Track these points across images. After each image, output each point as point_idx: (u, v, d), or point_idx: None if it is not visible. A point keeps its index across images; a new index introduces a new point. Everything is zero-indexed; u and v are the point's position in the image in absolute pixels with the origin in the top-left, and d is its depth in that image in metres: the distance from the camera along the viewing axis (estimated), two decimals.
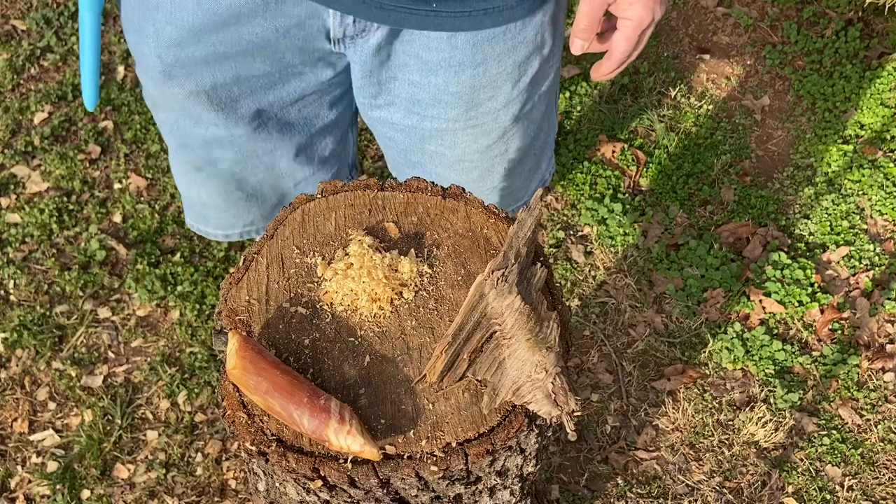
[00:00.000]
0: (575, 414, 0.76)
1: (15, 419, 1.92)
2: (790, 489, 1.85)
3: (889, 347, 2.03)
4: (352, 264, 0.86)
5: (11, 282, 2.10)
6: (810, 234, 2.22)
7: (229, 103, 1.16)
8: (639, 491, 1.84)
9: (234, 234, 1.46)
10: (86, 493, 1.83)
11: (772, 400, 1.96)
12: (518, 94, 1.17)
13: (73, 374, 1.96)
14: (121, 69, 2.48)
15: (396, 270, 0.87)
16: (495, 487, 0.85)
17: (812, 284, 2.11)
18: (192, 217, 1.46)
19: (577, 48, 1.04)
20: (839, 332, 2.06)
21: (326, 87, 1.20)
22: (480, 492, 0.84)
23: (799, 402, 1.95)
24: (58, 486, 1.82)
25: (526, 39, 1.11)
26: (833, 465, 1.88)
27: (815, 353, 2.03)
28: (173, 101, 1.18)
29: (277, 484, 0.82)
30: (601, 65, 1.07)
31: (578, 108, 2.44)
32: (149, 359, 2.00)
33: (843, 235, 2.21)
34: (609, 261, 2.17)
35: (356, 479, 0.75)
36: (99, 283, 2.09)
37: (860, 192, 2.29)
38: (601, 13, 1.01)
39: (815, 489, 1.85)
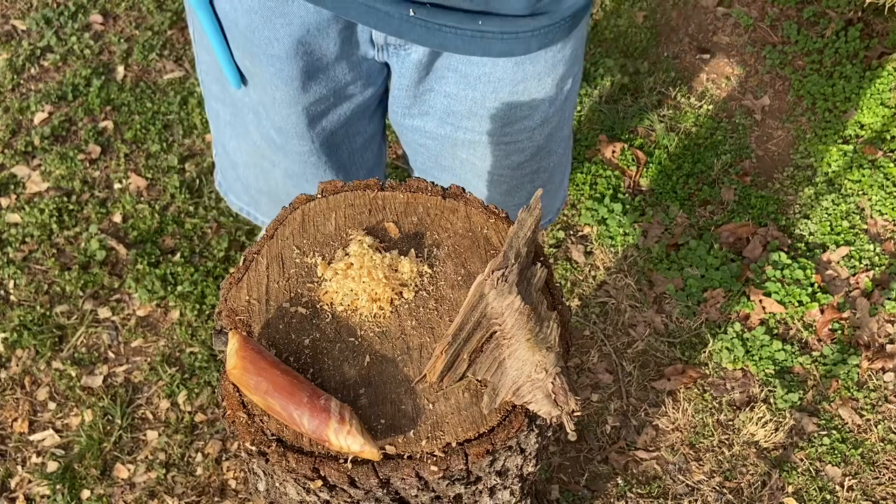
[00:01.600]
0: (575, 414, 0.76)
1: (15, 419, 1.92)
2: (790, 489, 1.85)
3: (889, 347, 2.03)
4: (352, 264, 0.86)
5: (11, 282, 2.10)
6: (810, 234, 2.22)
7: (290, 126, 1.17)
8: (639, 491, 1.84)
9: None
10: (86, 493, 1.83)
11: (772, 400, 1.96)
12: (554, 112, 1.15)
13: (73, 374, 1.96)
14: (120, 69, 2.48)
15: (396, 270, 0.87)
16: (495, 487, 0.85)
17: (812, 284, 2.11)
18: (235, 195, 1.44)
19: None
20: (839, 332, 2.06)
21: (369, 102, 1.19)
22: (480, 492, 0.84)
23: (799, 402, 1.95)
24: (58, 486, 1.82)
25: (565, 58, 1.09)
26: (833, 465, 1.88)
27: (815, 353, 2.03)
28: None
29: (277, 484, 0.82)
30: None
31: (578, 108, 2.44)
32: (149, 359, 2.00)
33: (843, 235, 2.21)
34: (609, 261, 2.17)
35: (356, 479, 0.75)
36: (99, 283, 2.09)
37: (860, 192, 2.29)
38: None
39: (815, 489, 1.85)
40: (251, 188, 1.36)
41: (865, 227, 2.24)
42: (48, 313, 2.05)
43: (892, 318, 2.08)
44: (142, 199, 2.24)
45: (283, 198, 1.33)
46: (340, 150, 1.25)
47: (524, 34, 1.00)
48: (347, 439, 0.72)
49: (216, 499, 1.82)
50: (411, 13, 0.96)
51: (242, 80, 1.13)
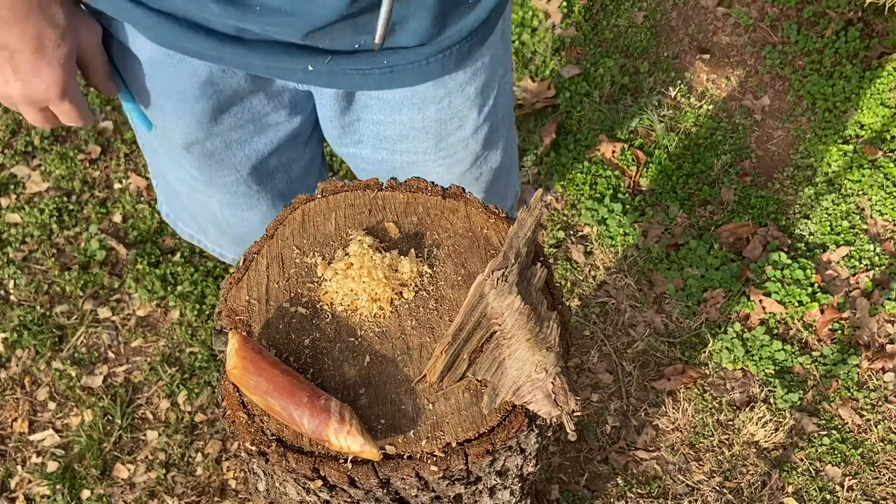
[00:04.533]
0: (575, 414, 0.76)
1: (15, 419, 1.92)
2: (790, 489, 1.85)
3: (889, 347, 2.03)
4: (352, 264, 0.86)
5: (11, 282, 2.10)
6: (810, 234, 2.22)
7: (206, 159, 1.15)
8: (639, 491, 1.84)
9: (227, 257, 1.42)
10: (86, 493, 1.83)
11: (772, 400, 1.96)
12: (485, 118, 1.15)
13: (73, 374, 1.96)
14: None
15: (396, 270, 0.87)
16: (495, 487, 0.85)
17: (812, 284, 2.11)
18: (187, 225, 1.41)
19: None
20: (839, 332, 2.06)
21: (300, 129, 1.17)
22: (480, 492, 0.84)
23: (799, 402, 1.95)
24: (58, 486, 1.82)
25: (485, 64, 1.08)
26: (833, 465, 1.88)
27: (815, 353, 2.03)
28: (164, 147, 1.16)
29: (277, 484, 0.82)
30: None
31: (578, 108, 2.44)
32: (149, 359, 2.00)
33: (843, 235, 2.21)
34: (609, 261, 2.17)
35: (356, 479, 0.75)
36: (99, 283, 2.09)
37: (860, 192, 2.29)
38: None
39: (815, 489, 1.85)
40: (197, 216, 1.33)
41: (865, 227, 2.24)
42: (48, 313, 2.05)
43: (892, 318, 2.08)
44: (142, 199, 2.24)
45: (226, 228, 1.31)
46: (275, 178, 1.22)
47: (434, 59, 0.99)
48: (347, 439, 0.72)
49: (216, 499, 1.82)
50: (310, 68, 0.96)
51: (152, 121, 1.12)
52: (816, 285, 2.11)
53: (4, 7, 0.86)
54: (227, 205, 1.23)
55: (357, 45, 0.94)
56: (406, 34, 0.95)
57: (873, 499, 1.84)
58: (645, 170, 2.33)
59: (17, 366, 1.98)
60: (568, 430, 0.76)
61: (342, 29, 0.91)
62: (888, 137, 2.38)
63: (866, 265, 2.16)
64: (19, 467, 1.86)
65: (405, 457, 0.76)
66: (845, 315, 2.07)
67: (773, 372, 1.99)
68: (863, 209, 2.26)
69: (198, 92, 1.03)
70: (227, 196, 1.21)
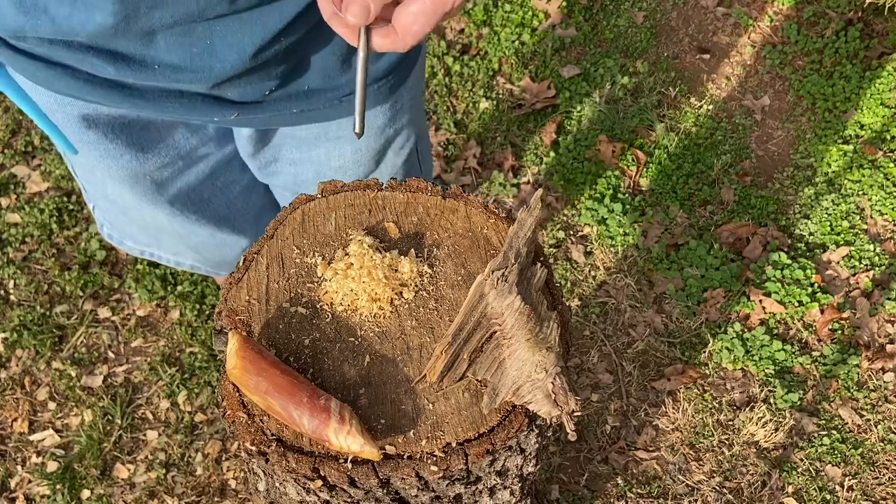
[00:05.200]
0: (575, 414, 0.76)
1: (15, 419, 1.92)
2: (790, 489, 1.85)
3: (889, 347, 2.03)
4: (352, 264, 0.86)
5: (11, 282, 2.10)
6: (810, 234, 2.22)
7: (141, 195, 1.12)
8: (639, 491, 1.84)
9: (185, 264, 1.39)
10: (86, 493, 1.83)
11: (772, 400, 1.96)
12: (405, 155, 1.15)
13: (73, 374, 1.96)
14: None
15: (396, 270, 0.86)
16: (495, 487, 0.85)
17: (812, 284, 2.11)
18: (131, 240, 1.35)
19: (357, 13, 0.70)
20: (839, 332, 2.06)
21: (232, 155, 1.16)
22: (480, 492, 0.83)
23: (799, 402, 1.95)
24: (58, 486, 1.82)
25: (403, 102, 1.07)
26: (833, 465, 1.88)
27: (815, 353, 2.03)
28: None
29: (277, 484, 0.82)
30: (383, 38, 0.75)
31: (578, 108, 2.44)
32: (149, 359, 2.00)
33: (843, 235, 2.21)
34: (609, 261, 2.17)
35: (356, 479, 0.75)
36: (99, 283, 2.09)
37: (860, 192, 2.29)
38: None
39: (815, 489, 1.85)
40: (149, 227, 1.27)
41: (865, 227, 2.24)
42: (48, 313, 2.05)
43: (892, 318, 2.08)
44: None
45: (177, 237, 1.27)
46: (213, 202, 1.20)
47: (347, 98, 0.99)
48: (347, 439, 0.72)
49: (216, 499, 1.82)
50: (216, 119, 0.95)
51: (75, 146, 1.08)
52: (816, 285, 2.11)
53: None
54: (174, 215, 1.20)
55: (266, 93, 0.94)
56: (315, 74, 0.94)
57: (873, 499, 1.84)
58: (645, 170, 2.33)
59: (17, 366, 1.98)
60: (568, 430, 0.76)
61: (249, 80, 0.91)
62: (888, 137, 2.38)
63: (866, 265, 2.16)
64: (19, 467, 1.86)
65: (405, 457, 0.76)
66: (845, 315, 2.07)
67: (773, 372, 1.99)
68: (863, 209, 2.26)
69: (115, 127, 1.00)
70: (164, 220, 1.19)
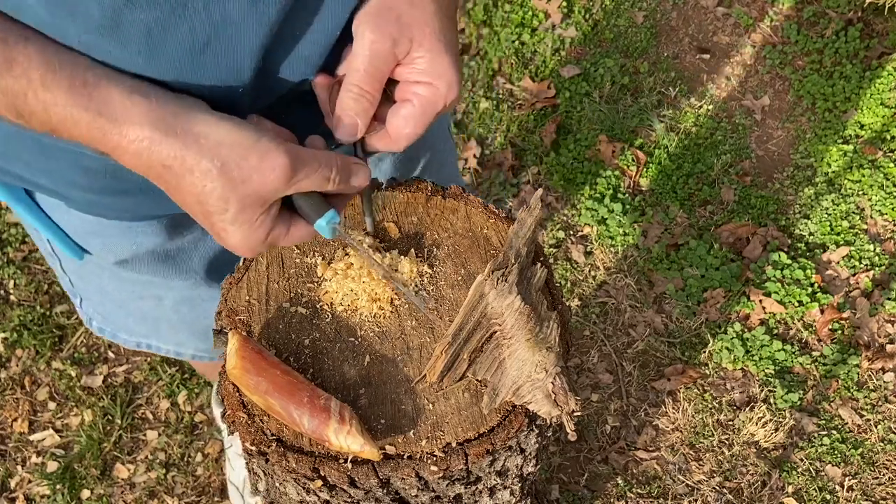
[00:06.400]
0: (575, 414, 0.76)
1: (15, 419, 1.92)
2: (790, 489, 1.85)
3: (889, 347, 2.03)
4: (352, 264, 0.86)
5: (11, 282, 2.10)
6: (810, 234, 2.22)
7: (159, 264, 1.08)
8: (639, 491, 1.84)
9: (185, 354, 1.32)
10: (86, 493, 1.83)
11: (772, 400, 1.96)
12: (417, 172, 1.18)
13: (73, 374, 1.96)
14: None
15: (396, 270, 0.86)
16: (495, 487, 0.84)
17: (812, 284, 2.11)
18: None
19: (347, 133, 0.74)
20: (839, 332, 2.06)
21: None
22: (480, 492, 0.83)
23: (799, 402, 1.95)
24: (58, 486, 1.82)
25: (417, 148, 1.08)
26: (833, 465, 1.88)
27: (815, 353, 2.03)
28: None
29: (277, 484, 0.82)
30: (377, 141, 0.77)
31: (578, 108, 2.44)
32: (149, 359, 2.00)
33: (843, 235, 2.21)
34: (609, 261, 2.17)
35: (356, 479, 0.75)
36: None
37: (860, 192, 2.29)
38: (383, 79, 0.73)
39: (815, 489, 1.85)
40: (147, 318, 1.21)
41: (865, 227, 2.23)
42: (48, 313, 2.05)
43: (892, 318, 2.08)
44: None
45: (181, 326, 1.21)
46: (234, 265, 1.18)
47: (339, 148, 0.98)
48: (347, 439, 0.72)
49: (216, 499, 1.82)
50: None
51: (83, 250, 1.03)
52: (816, 285, 2.11)
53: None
54: (185, 300, 1.15)
55: None
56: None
57: (873, 499, 1.84)
58: (645, 170, 2.33)
59: (17, 366, 1.98)
60: (568, 430, 0.76)
61: None
62: (888, 137, 2.38)
63: (866, 265, 2.16)
64: (19, 467, 1.86)
65: (405, 457, 0.76)
66: (845, 315, 2.07)
67: (773, 372, 1.99)
68: (863, 209, 2.26)
69: (154, 228, 0.98)
70: (185, 291, 1.13)
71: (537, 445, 0.83)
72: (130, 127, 0.63)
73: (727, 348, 2.02)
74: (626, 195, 2.27)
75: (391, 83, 0.74)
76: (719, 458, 1.89)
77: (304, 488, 0.79)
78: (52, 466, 1.85)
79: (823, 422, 1.94)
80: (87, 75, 0.62)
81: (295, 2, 0.67)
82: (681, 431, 1.93)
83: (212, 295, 1.15)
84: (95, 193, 0.86)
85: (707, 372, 2.00)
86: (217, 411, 1.79)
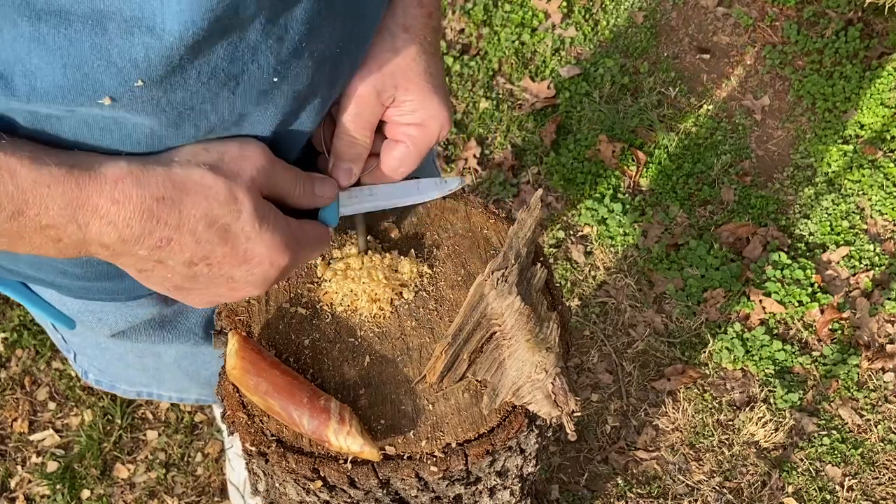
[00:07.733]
0: (575, 414, 0.76)
1: (15, 419, 1.92)
2: (790, 489, 1.85)
3: (889, 347, 2.03)
4: (351, 265, 0.86)
5: None
6: (810, 234, 2.22)
7: (156, 331, 1.05)
8: (639, 491, 1.84)
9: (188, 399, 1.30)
10: (86, 493, 1.83)
11: (772, 400, 1.96)
12: None
13: (73, 374, 1.96)
14: None
15: (396, 271, 0.86)
16: (495, 488, 0.84)
17: (812, 284, 2.11)
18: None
19: (344, 178, 0.76)
20: (839, 332, 2.06)
21: None
22: (480, 492, 0.83)
23: (799, 402, 1.95)
24: (58, 486, 1.82)
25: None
26: (833, 465, 1.88)
27: (815, 353, 2.03)
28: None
29: (277, 484, 0.82)
30: (371, 177, 0.80)
31: (578, 108, 2.44)
32: None
33: (843, 235, 2.21)
34: (609, 261, 2.17)
35: (356, 480, 0.75)
36: None
37: (860, 192, 2.29)
38: (373, 126, 0.75)
39: (815, 489, 1.85)
40: (148, 369, 1.18)
41: (865, 227, 2.24)
42: None
43: (892, 318, 2.08)
44: None
45: (181, 376, 1.19)
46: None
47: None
48: (347, 440, 0.72)
49: (216, 499, 1.82)
50: None
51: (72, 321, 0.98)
52: (816, 285, 2.11)
53: None
54: (185, 355, 1.13)
55: None
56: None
57: (873, 499, 1.84)
58: (645, 170, 2.33)
59: (17, 366, 1.98)
60: (568, 431, 0.76)
61: None
62: (888, 137, 2.38)
63: (866, 265, 2.16)
64: (19, 467, 1.86)
65: (405, 457, 0.76)
66: (845, 315, 2.07)
67: (773, 372, 1.99)
68: (863, 209, 2.26)
69: (152, 301, 0.95)
70: (185, 347, 1.11)
71: (537, 446, 0.83)
72: (109, 167, 0.58)
73: (727, 348, 2.02)
74: (626, 195, 2.27)
75: (384, 123, 0.77)
76: (719, 458, 1.89)
77: (303, 489, 0.79)
78: (52, 466, 1.85)
79: (823, 422, 1.94)
80: (51, 156, 0.58)
81: (295, 102, 0.67)
82: (681, 431, 1.93)
83: (212, 350, 1.11)
84: (90, 280, 0.83)
85: (707, 372, 2.00)
86: (217, 411, 1.80)
